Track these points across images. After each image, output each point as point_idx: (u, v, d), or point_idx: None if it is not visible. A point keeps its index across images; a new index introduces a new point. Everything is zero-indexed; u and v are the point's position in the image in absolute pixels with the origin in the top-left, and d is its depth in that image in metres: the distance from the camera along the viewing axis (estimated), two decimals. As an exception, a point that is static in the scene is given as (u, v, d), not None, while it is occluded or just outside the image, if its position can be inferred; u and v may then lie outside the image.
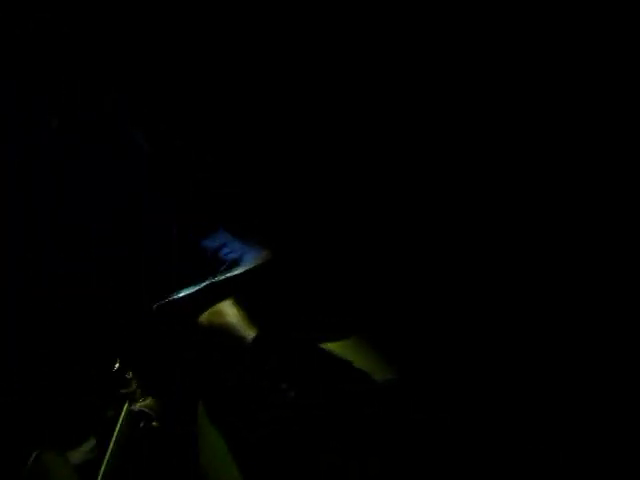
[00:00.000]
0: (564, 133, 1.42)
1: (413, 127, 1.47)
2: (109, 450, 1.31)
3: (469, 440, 1.30)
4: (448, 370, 1.36)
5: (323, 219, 1.45)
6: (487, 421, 1.33)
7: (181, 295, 1.33)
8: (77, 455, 1.37)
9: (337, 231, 1.44)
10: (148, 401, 1.36)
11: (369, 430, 1.24)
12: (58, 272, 1.44)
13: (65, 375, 1.42)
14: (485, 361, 1.38)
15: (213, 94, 1.49)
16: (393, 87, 1.47)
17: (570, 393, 1.36)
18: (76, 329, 1.43)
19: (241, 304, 1.33)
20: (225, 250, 1.39)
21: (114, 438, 1.32)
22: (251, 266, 1.36)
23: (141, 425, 1.35)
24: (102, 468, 1.30)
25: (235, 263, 1.38)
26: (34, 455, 1.34)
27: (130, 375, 1.37)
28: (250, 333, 1.29)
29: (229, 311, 1.32)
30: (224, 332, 1.30)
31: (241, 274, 1.35)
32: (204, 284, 1.33)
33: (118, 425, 1.33)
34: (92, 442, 1.38)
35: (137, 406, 1.35)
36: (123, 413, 1.34)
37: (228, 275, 1.35)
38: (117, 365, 1.37)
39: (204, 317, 1.32)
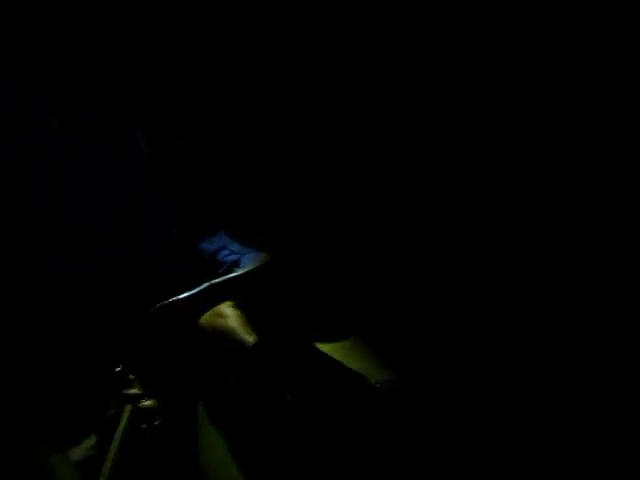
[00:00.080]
0: (564, 133, 1.42)
1: (413, 127, 1.47)
2: (111, 449, 1.31)
3: (469, 440, 1.30)
4: (447, 370, 1.36)
5: (321, 221, 1.45)
6: (487, 421, 1.33)
7: (181, 296, 1.33)
8: (78, 452, 1.37)
9: (335, 233, 1.44)
10: (149, 401, 1.36)
11: (369, 430, 1.24)
12: (58, 272, 1.44)
13: (65, 375, 1.43)
14: (484, 361, 1.38)
15: (213, 94, 1.49)
16: (393, 87, 1.47)
17: (570, 393, 1.36)
18: (76, 329, 1.43)
19: (241, 306, 1.33)
20: (225, 252, 1.39)
21: (116, 437, 1.32)
22: (250, 268, 1.36)
23: (143, 425, 1.35)
24: (103, 467, 1.30)
25: (235, 265, 1.38)
26: (35, 453, 1.34)
27: (132, 376, 1.37)
28: (250, 336, 1.29)
29: (229, 313, 1.32)
30: (224, 335, 1.30)
31: (240, 275, 1.35)
32: (204, 285, 1.33)
33: (121, 424, 1.33)
34: (93, 439, 1.38)
35: (139, 406, 1.35)
36: (125, 413, 1.34)
37: (228, 277, 1.35)
38: (120, 367, 1.37)
39: (204, 319, 1.32)
